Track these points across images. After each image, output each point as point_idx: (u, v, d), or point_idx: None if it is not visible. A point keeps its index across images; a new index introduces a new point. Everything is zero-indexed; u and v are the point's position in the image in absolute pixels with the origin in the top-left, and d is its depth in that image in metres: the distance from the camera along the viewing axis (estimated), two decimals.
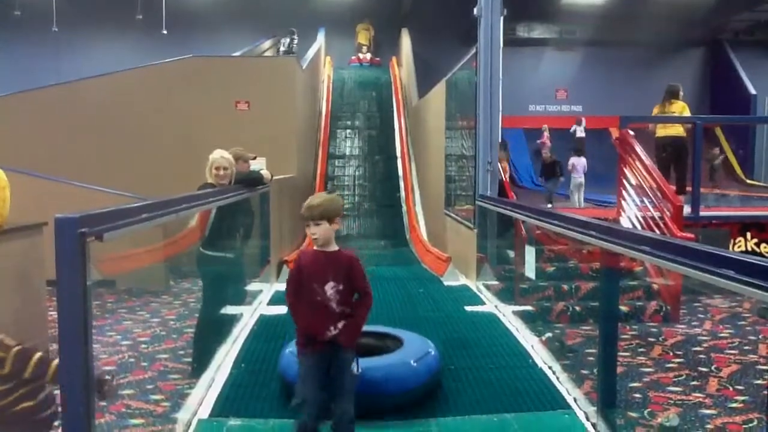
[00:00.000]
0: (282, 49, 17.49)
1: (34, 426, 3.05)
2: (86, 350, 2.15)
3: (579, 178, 11.99)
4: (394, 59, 18.11)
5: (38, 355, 2.97)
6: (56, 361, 2.95)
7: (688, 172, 8.43)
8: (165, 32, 16.03)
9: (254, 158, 6.03)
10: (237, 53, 13.51)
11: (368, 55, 19.74)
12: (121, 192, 8.12)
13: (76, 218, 2.13)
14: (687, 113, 8.95)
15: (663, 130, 8.76)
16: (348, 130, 14.91)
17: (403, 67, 16.92)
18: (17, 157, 8.69)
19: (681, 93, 9.01)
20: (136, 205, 2.76)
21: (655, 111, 9.09)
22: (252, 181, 5.67)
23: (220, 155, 5.11)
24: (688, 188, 8.20)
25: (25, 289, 5.10)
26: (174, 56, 10.64)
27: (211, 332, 5.02)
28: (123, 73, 10.35)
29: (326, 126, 14.70)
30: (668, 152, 8.70)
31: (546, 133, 16.48)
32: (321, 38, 16.46)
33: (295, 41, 17.31)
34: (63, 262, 2.11)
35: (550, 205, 10.90)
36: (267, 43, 17.14)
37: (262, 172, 5.94)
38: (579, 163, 12.04)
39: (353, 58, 19.63)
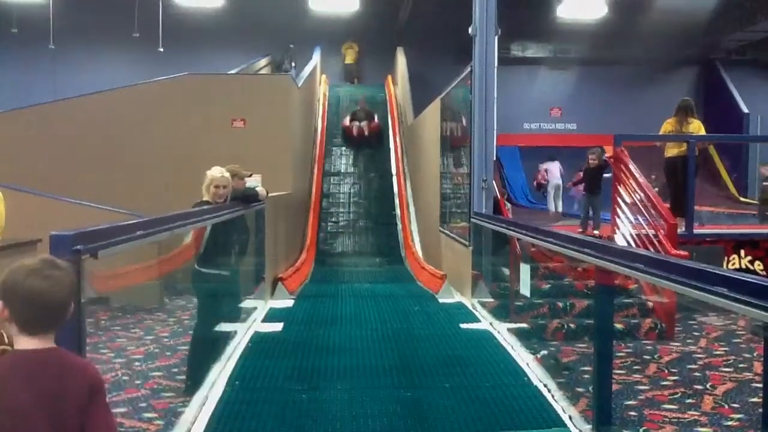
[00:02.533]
0: (286, 66, 17.67)
1: None
2: None
3: (556, 180, 12.13)
4: (389, 77, 18.20)
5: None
6: None
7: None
8: (161, 50, 16.11)
9: (249, 175, 6.04)
10: (233, 71, 13.57)
11: (364, 124, 14.76)
12: (116, 209, 8.11)
13: (71, 235, 2.13)
14: (703, 132, 8.53)
15: (677, 149, 8.30)
16: (343, 148, 14.95)
17: (399, 86, 17.01)
18: (12, 174, 8.68)
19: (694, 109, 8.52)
20: (131, 222, 2.76)
21: (669, 127, 8.51)
22: (247, 198, 5.68)
23: (220, 173, 5.08)
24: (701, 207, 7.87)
25: None
26: (170, 73, 10.68)
27: (205, 349, 5.00)
28: (119, 90, 10.38)
29: (322, 143, 14.74)
30: (680, 171, 8.19)
31: (542, 172, 14.50)
32: (317, 57, 16.54)
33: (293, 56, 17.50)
34: None
35: (596, 233, 8.28)
36: (263, 61, 17.23)
37: (257, 189, 5.95)
38: (553, 167, 12.19)
39: (345, 123, 15.00)
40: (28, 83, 17.39)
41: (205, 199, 5.02)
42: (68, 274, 1.83)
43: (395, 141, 14.87)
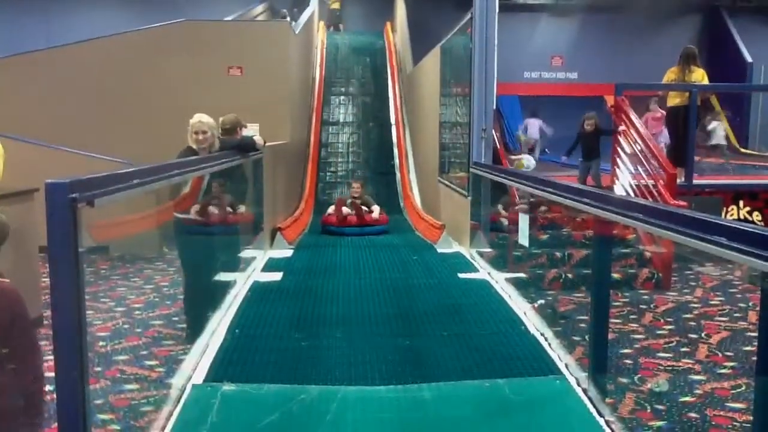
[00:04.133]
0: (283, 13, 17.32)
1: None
2: (79, 316, 2.15)
3: (534, 137, 12.35)
4: (388, 24, 17.89)
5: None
6: None
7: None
8: None
9: (245, 126, 5.99)
10: (229, 17, 13.32)
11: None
12: (112, 158, 8.06)
13: (66, 183, 2.11)
14: (706, 81, 8.38)
15: (679, 98, 8.23)
16: (342, 97, 14.78)
17: (398, 33, 16.73)
18: (6, 123, 8.60)
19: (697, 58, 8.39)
20: (127, 170, 2.73)
21: (672, 76, 8.38)
22: (245, 146, 5.64)
23: (198, 119, 5.04)
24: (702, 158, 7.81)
25: (18, 256, 5.09)
26: (165, 20, 10.48)
27: (201, 298, 5.03)
28: (114, 37, 10.19)
29: (320, 92, 14.56)
30: (682, 120, 8.15)
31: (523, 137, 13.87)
32: (314, 2, 16.23)
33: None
34: (54, 228, 2.09)
35: None
36: (260, 8, 16.91)
37: (255, 138, 5.91)
38: (534, 123, 12.37)
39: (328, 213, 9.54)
40: (21, 30, 17.08)
41: (191, 147, 5.01)
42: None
43: (394, 90, 14.71)
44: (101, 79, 9.81)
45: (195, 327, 4.76)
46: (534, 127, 12.56)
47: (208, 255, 5.30)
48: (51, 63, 9.95)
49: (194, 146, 5.00)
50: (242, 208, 5.73)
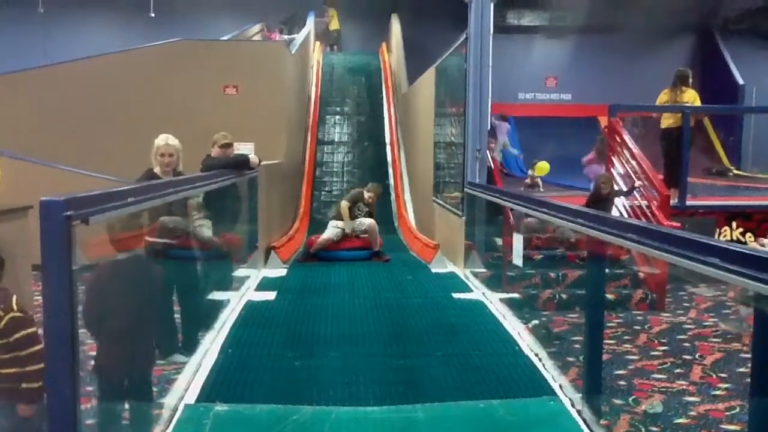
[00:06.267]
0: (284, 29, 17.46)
1: (21, 394, 3.15)
2: (72, 334, 2.14)
3: (502, 137, 12.83)
4: (383, 45, 18.02)
5: (33, 329, 3.12)
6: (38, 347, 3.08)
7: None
8: (153, 15, 15.87)
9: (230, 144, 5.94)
10: (226, 37, 13.40)
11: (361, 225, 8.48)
12: (108, 176, 8.06)
13: (61, 201, 2.11)
14: (698, 103, 8.47)
15: (672, 120, 8.27)
16: (337, 116, 14.85)
17: (393, 53, 16.85)
18: (3, 140, 8.61)
19: (690, 79, 8.48)
20: (122, 188, 2.74)
21: (664, 98, 8.47)
22: (238, 164, 5.64)
23: (165, 141, 4.84)
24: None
25: (11, 274, 5.05)
26: (162, 39, 10.54)
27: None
28: (111, 55, 10.24)
29: (315, 111, 14.63)
30: (675, 142, 8.16)
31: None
32: (310, 23, 16.35)
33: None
34: (48, 245, 2.09)
35: None
36: (256, 27, 17.02)
37: (250, 156, 5.92)
38: (501, 126, 12.93)
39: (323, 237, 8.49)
40: (19, 48, 17.10)
41: (155, 170, 4.84)
42: None
43: (389, 109, 14.79)
44: (98, 97, 9.84)
45: (166, 348, 4.75)
46: (502, 129, 13.27)
47: (173, 280, 4.99)
48: (48, 80, 9.97)
49: (157, 169, 4.81)
50: (208, 233, 5.21)
